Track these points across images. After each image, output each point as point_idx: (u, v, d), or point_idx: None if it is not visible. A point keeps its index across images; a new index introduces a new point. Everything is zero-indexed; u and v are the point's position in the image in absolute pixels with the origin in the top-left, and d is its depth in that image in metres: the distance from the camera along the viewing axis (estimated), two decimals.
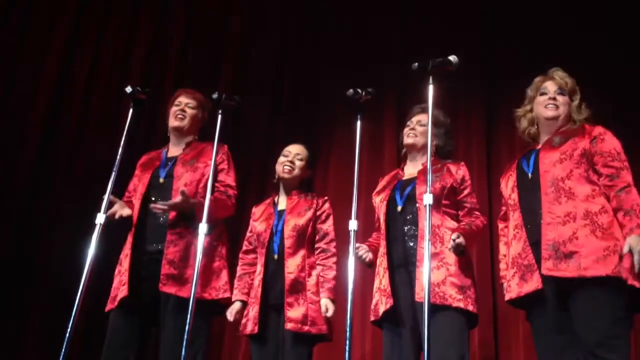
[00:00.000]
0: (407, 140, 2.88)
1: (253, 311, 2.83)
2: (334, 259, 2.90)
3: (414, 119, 2.90)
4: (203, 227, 2.54)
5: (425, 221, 2.24)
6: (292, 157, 3.04)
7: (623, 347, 2.17)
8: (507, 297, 2.50)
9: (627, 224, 2.27)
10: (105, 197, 2.66)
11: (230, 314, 2.90)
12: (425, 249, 2.20)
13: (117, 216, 2.82)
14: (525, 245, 2.41)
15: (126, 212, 2.85)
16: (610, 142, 2.44)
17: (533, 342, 2.47)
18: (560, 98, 2.61)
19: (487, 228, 3.06)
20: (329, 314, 2.79)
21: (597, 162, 2.41)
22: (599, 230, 2.29)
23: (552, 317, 2.35)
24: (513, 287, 2.44)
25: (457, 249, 2.50)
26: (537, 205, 2.42)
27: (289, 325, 2.73)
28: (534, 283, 2.34)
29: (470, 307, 2.51)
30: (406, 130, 2.91)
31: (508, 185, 2.62)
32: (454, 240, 2.49)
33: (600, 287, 2.22)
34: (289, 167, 3.02)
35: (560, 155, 2.45)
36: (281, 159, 3.07)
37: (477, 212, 2.73)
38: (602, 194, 2.37)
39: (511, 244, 2.52)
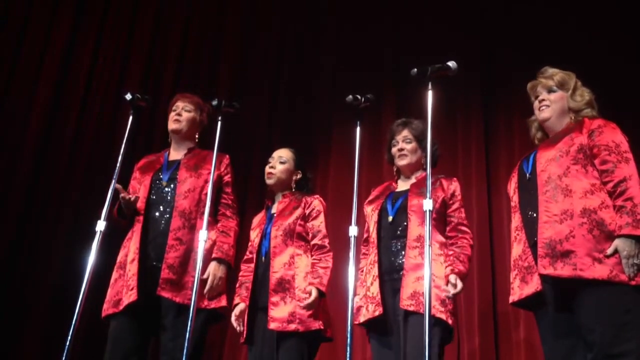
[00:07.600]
0: (401, 162, 2.87)
1: (245, 317, 2.84)
2: (330, 254, 2.87)
3: (398, 137, 2.90)
4: (203, 234, 2.54)
5: (426, 226, 2.21)
6: (273, 162, 3.06)
7: (632, 354, 2.07)
8: (510, 300, 2.47)
9: (617, 221, 2.20)
10: (106, 204, 2.65)
11: (235, 316, 2.88)
12: (425, 254, 2.17)
13: (123, 197, 2.78)
14: (525, 247, 2.38)
15: (131, 196, 2.81)
16: (609, 135, 2.35)
17: (533, 345, 2.46)
18: (551, 96, 2.56)
19: (486, 234, 3.07)
20: (309, 300, 2.71)
21: (595, 156, 2.33)
22: (597, 228, 2.21)
23: (553, 318, 2.31)
24: (515, 290, 2.41)
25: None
26: (535, 204, 2.38)
27: (272, 325, 2.69)
28: (534, 285, 2.30)
29: (450, 321, 2.52)
30: (394, 150, 2.90)
31: (511, 188, 2.59)
32: (453, 285, 2.54)
33: (602, 289, 2.15)
34: (270, 173, 3.04)
35: (556, 152, 2.39)
36: (267, 166, 3.08)
37: (463, 227, 2.72)
38: (602, 189, 2.29)
39: (512, 246, 2.49)
